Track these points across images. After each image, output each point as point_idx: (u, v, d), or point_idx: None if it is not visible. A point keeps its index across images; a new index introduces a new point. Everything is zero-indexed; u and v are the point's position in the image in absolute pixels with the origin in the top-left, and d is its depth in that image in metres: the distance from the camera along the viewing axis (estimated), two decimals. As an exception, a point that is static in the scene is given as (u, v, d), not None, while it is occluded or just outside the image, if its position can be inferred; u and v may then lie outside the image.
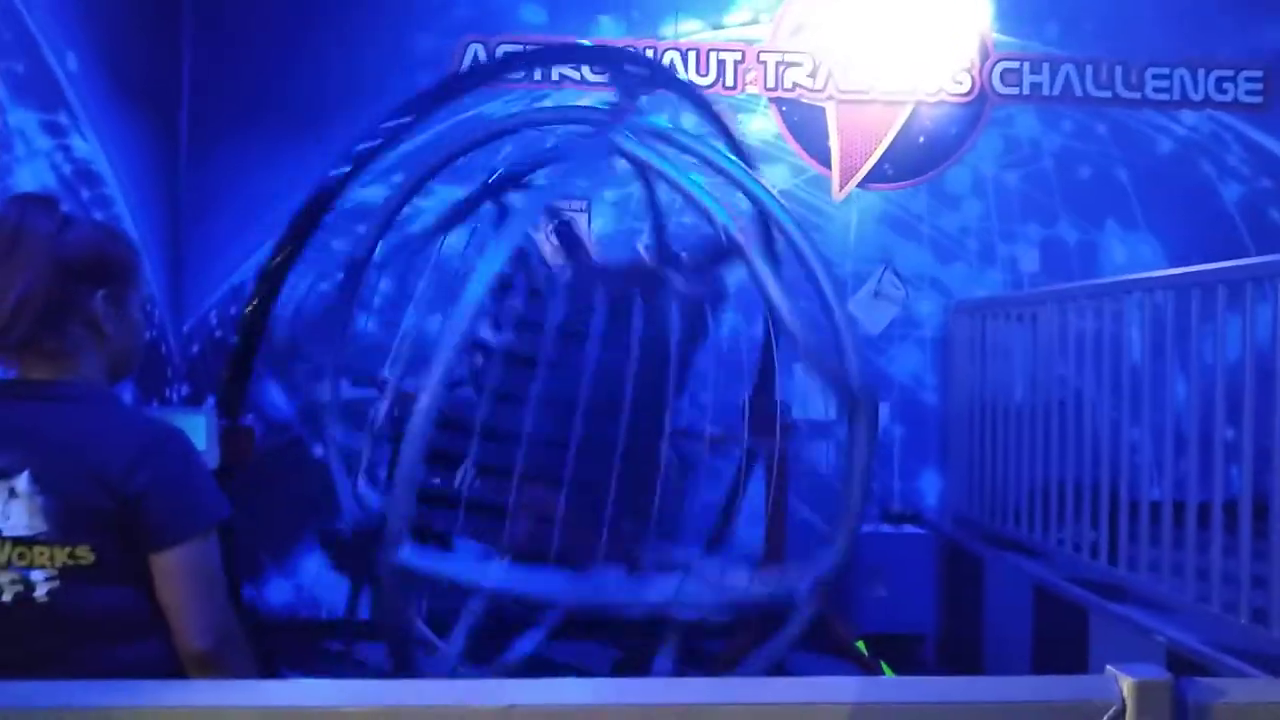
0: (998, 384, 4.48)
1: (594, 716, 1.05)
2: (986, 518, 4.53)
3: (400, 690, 1.06)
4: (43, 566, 1.38)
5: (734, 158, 2.97)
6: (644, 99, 3.15)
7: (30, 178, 3.56)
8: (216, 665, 1.42)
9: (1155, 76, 5.20)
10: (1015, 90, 5.18)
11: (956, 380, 4.93)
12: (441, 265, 3.32)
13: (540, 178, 3.27)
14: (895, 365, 5.13)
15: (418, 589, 2.63)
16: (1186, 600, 3.06)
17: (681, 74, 4.47)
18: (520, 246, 2.66)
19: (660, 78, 3.32)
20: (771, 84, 5.11)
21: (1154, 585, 3.24)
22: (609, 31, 5.07)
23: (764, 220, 2.98)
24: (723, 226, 2.62)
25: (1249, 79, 5.20)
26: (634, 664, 2.96)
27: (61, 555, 1.38)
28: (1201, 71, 5.20)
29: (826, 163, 5.14)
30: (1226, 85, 5.20)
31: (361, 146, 3.08)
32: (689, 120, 5.06)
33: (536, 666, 2.60)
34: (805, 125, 5.13)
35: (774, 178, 4.90)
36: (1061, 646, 3.67)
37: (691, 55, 5.07)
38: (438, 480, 2.64)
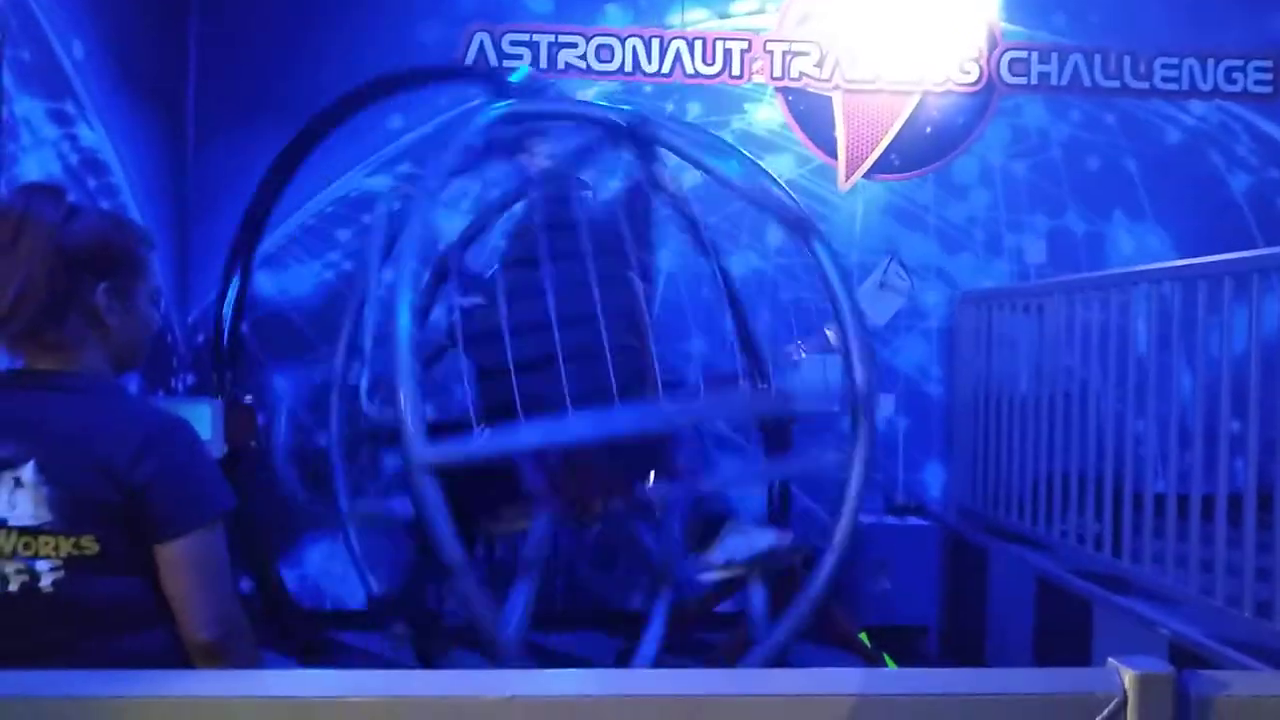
0: (1003, 375, 4.47)
1: (595, 707, 1.05)
2: (990, 509, 4.53)
3: (402, 680, 1.07)
4: (48, 556, 1.39)
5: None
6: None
7: (36, 166, 3.56)
8: (222, 656, 1.42)
9: (1164, 66, 5.16)
10: (1023, 80, 5.15)
11: (962, 371, 4.92)
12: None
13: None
14: (900, 356, 5.13)
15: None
16: (1190, 593, 3.05)
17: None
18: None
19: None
20: (778, 73, 5.09)
21: (1158, 578, 3.24)
22: (615, 20, 5.05)
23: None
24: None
25: (1258, 69, 5.17)
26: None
27: (66, 545, 1.39)
28: (1210, 61, 5.16)
29: (832, 153, 5.12)
30: (1235, 75, 5.17)
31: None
32: (695, 109, 5.06)
33: (537, 656, 2.63)
34: (811, 115, 5.11)
35: (780, 167, 4.89)
36: (1065, 639, 3.67)
37: (698, 44, 5.05)
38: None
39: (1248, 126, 5.20)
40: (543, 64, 5.01)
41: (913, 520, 4.85)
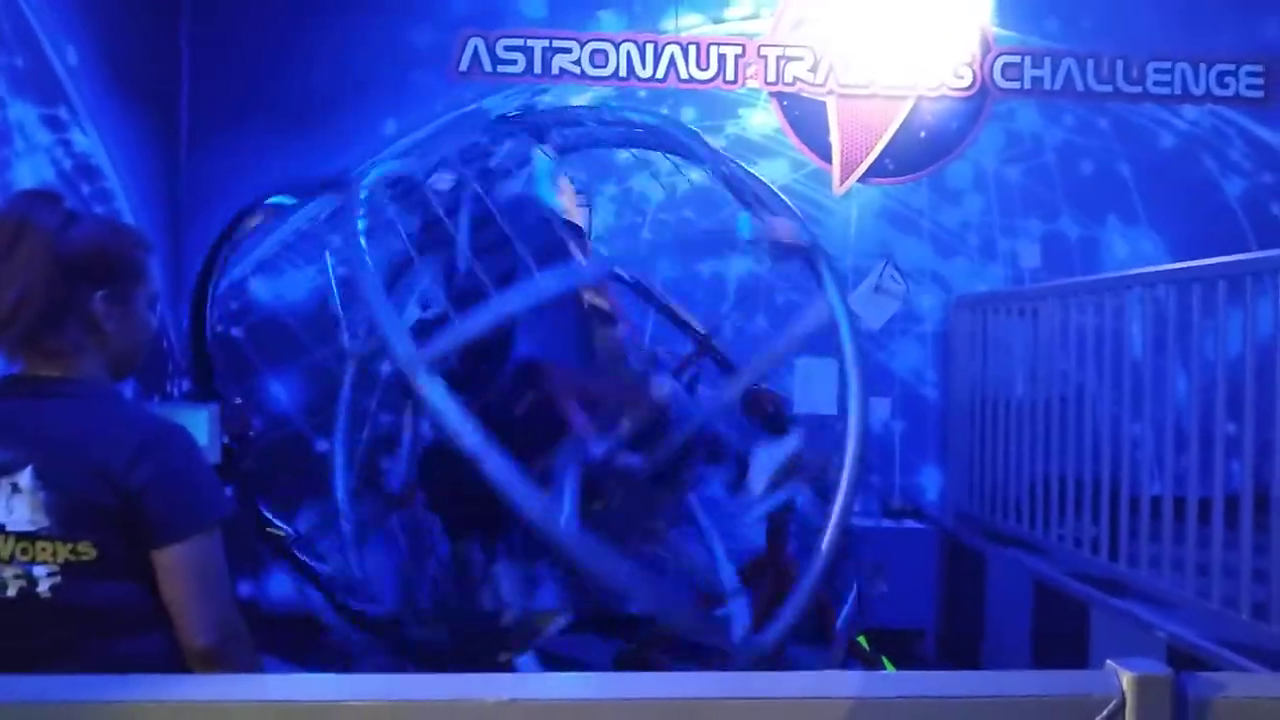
0: (998, 379, 4.48)
1: (594, 711, 1.05)
2: (987, 513, 4.53)
3: (402, 684, 1.06)
4: (45, 562, 1.39)
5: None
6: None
7: (30, 172, 3.55)
8: (219, 662, 1.42)
9: (1156, 71, 5.19)
10: (1016, 85, 5.17)
11: (957, 375, 4.93)
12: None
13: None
14: (896, 360, 5.13)
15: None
16: (1187, 595, 3.06)
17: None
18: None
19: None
20: (772, 78, 5.10)
21: (1155, 580, 3.24)
22: (610, 25, 5.06)
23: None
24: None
25: (1250, 74, 5.19)
26: (636, 658, 2.97)
27: (64, 551, 1.39)
28: (1203, 66, 5.18)
29: (827, 157, 5.13)
30: (1228, 80, 5.19)
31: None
32: (689, 113, 5.07)
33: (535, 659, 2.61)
34: (806, 120, 5.12)
35: (774, 172, 4.90)
36: (1062, 642, 3.68)
37: (692, 49, 5.07)
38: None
39: (1240, 131, 5.22)
40: (537, 69, 5.02)
41: (909, 524, 4.85)
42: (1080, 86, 5.18)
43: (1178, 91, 5.20)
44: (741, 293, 4.99)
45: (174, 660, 1.42)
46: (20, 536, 1.39)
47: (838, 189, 5.14)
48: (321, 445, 4.75)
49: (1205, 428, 3.06)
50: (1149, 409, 3.39)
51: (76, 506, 1.39)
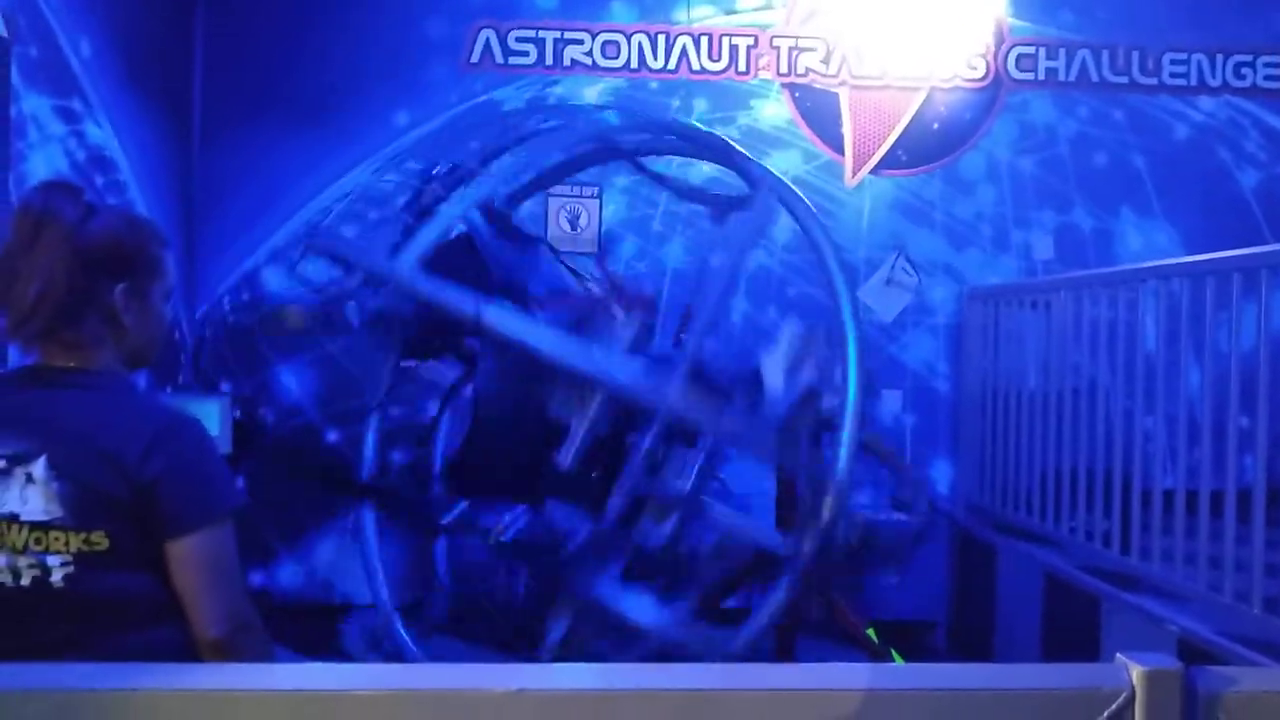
0: (1011, 372, 4.46)
1: (603, 702, 1.05)
2: (998, 506, 4.52)
3: (412, 674, 1.07)
4: (58, 552, 1.40)
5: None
6: None
7: (44, 163, 3.57)
8: (231, 653, 1.43)
9: (1172, 62, 5.14)
10: (1030, 75, 5.14)
11: (969, 368, 4.91)
12: None
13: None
14: (908, 353, 5.12)
15: None
16: (1199, 589, 3.04)
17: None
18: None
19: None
20: (784, 69, 5.08)
21: (1166, 574, 3.23)
22: (621, 16, 5.05)
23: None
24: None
25: (1267, 64, 5.14)
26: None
27: (77, 541, 1.40)
28: (1219, 57, 5.14)
29: (839, 149, 5.11)
30: (1244, 71, 5.15)
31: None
32: (701, 105, 5.05)
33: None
34: (818, 111, 5.10)
35: (786, 164, 4.89)
36: (1073, 635, 3.67)
37: (704, 40, 5.05)
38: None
39: (1256, 122, 5.17)
40: (548, 60, 5.01)
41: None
42: (1095, 78, 5.14)
43: (1193, 83, 5.15)
44: (752, 285, 4.99)
45: (186, 651, 1.43)
46: (34, 526, 1.40)
47: (850, 181, 5.12)
48: (331, 436, 4.78)
49: (1218, 421, 3.04)
50: (1162, 402, 3.37)
51: (89, 497, 1.40)
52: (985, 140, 5.14)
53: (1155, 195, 5.15)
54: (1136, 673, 1.05)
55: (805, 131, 5.11)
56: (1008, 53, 5.13)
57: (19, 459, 1.40)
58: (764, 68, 5.07)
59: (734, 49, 5.06)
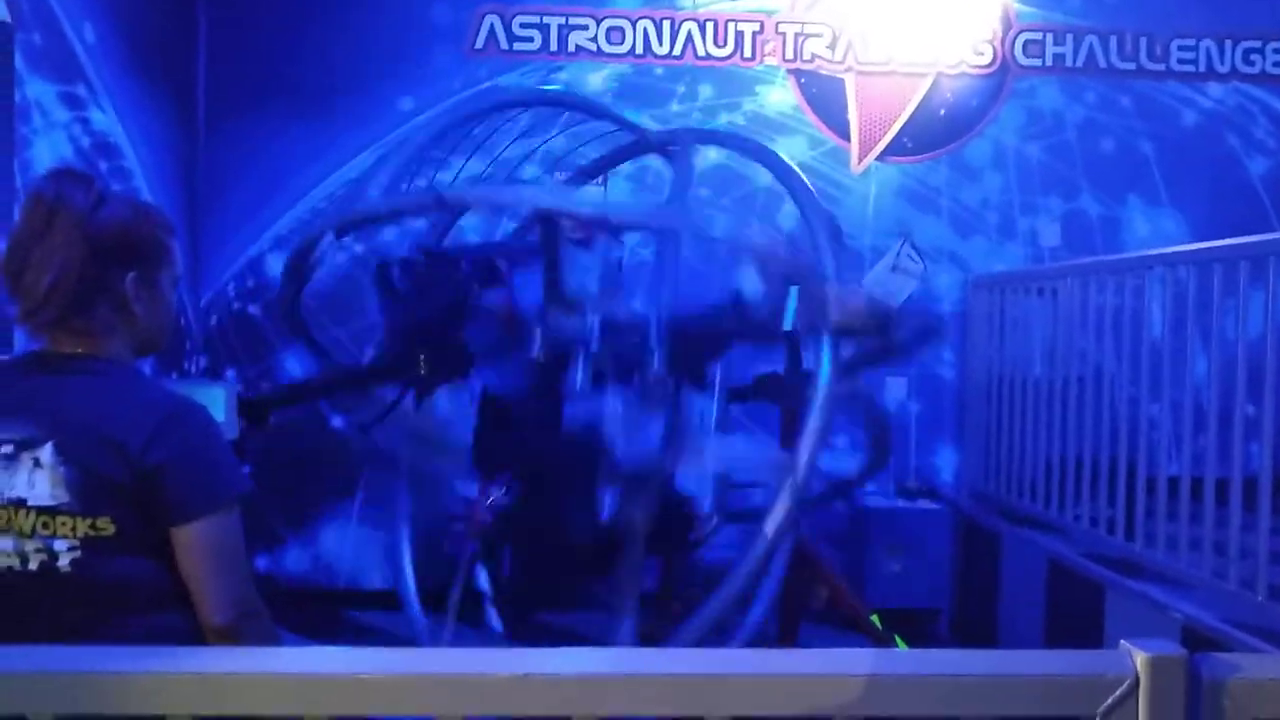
0: (1016, 359, 4.46)
1: (608, 686, 1.05)
2: (1003, 493, 4.52)
3: (417, 658, 1.07)
4: (65, 536, 1.40)
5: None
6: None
7: (48, 150, 3.57)
8: (236, 639, 1.43)
9: (1181, 48, 5.11)
10: (1038, 62, 5.11)
11: (974, 355, 4.90)
12: None
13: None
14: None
15: None
16: (1203, 576, 3.04)
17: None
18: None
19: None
20: (790, 55, 5.06)
21: (1171, 561, 3.23)
22: (626, 2, 5.03)
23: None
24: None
25: (1277, 50, 5.11)
26: (652, 636, 2.98)
27: (83, 526, 1.40)
28: (1228, 43, 5.10)
29: (845, 135, 5.09)
30: (1254, 57, 5.11)
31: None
32: (706, 91, 5.03)
33: (557, 636, 2.62)
34: (824, 97, 5.08)
35: (792, 150, 4.87)
36: (1077, 623, 3.67)
37: (709, 26, 5.03)
38: None
39: (1265, 109, 5.14)
40: (553, 46, 5.00)
41: (924, 504, 4.85)
42: (1103, 64, 5.11)
43: (1202, 69, 5.12)
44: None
45: (192, 636, 1.44)
46: (41, 511, 1.40)
47: (856, 167, 5.11)
48: (336, 421, 4.78)
49: (1224, 408, 3.04)
50: (1168, 389, 3.36)
51: (95, 483, 1.40)
52: (992, 127, 5.12)
53: (1163, 182, 5.13)
54: (1141, 659, 1.05)
55: (811, 118, 5.09)
56: (1015, 39, 5.10)
57: (26, 444, 1.41)
58: (769, 53, 5.05)
59: (739, 34, 5.04)
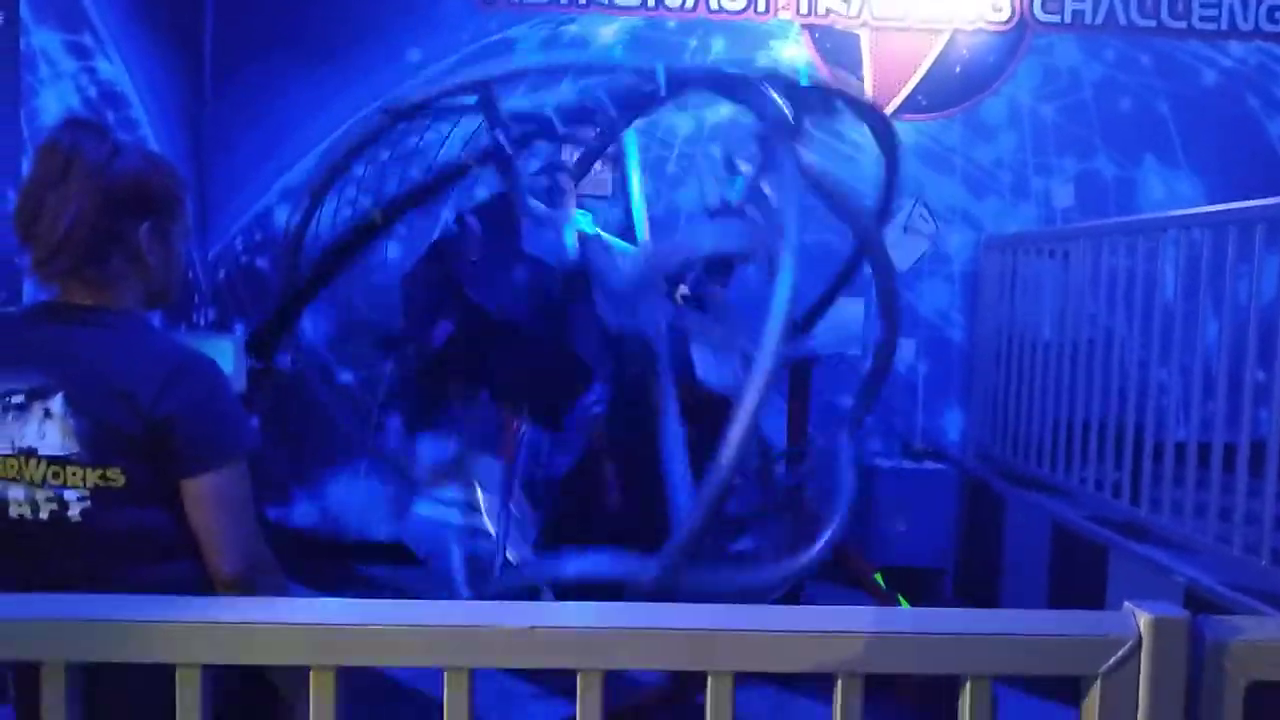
0: (1026, 321, 4.43)
1: (612, 640, 1.06)
2: (1009, 455, 4.53)
3: (424, 610, 1.08)
4: (75, 486, 1.41)
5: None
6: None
7: (55, 99, 3.55)
8: (246, 591, 1.44)
9: (1203, 5, 5.01)
10: (1056, 18, 5.02)
11: (984, 317, 4.88)
12: None
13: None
14: (923, 301, 5.09)
15: None
16: (1207, 541, 3.05)
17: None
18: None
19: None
20: (804, 9, 4.98)
21: (1176, 525, 3.24)
22: (638, -46, 4.94)
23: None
24: None
25: (1302, 8, 5.01)
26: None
27: (93, 476, 1.41)
28: (1252, 0, 5.00)
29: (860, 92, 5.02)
30: (1278, 15, 5.01)
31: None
32: (719, 45, 4.96)
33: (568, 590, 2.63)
34: (838, 53, 5.01)
35: (804, 107, 4.79)
36: (1080, 584, 3.69)
37: (722, -21, 4.94)
38: None
39: (1288, 68, 5.05)
40: (563, -1, 4.92)
41: (930, 465, 4.86)
42: (1123, 20, 5.02)
43: (1224, 27, 5.02)
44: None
45: (201, 587, 1.45)
46: (52, 461, 1.41)
47: (868, 125, 5.04)
48: (344, 376, 4.80)
49: (1234, 373, 3.02)
50: (1178, 354, 3.35)
51: (105, 433, 1.41)
52: (1008, 85, 5.04)
53: (1180, 143, 5.05)
54: (1144, 620, 1.06)
55: (825, 74, 5.02)
56: (1034, -6, 5.00)
57: (37, 394, 1.41)
58: (783, 8, 4.97)
59: (753, -12, 4.96)
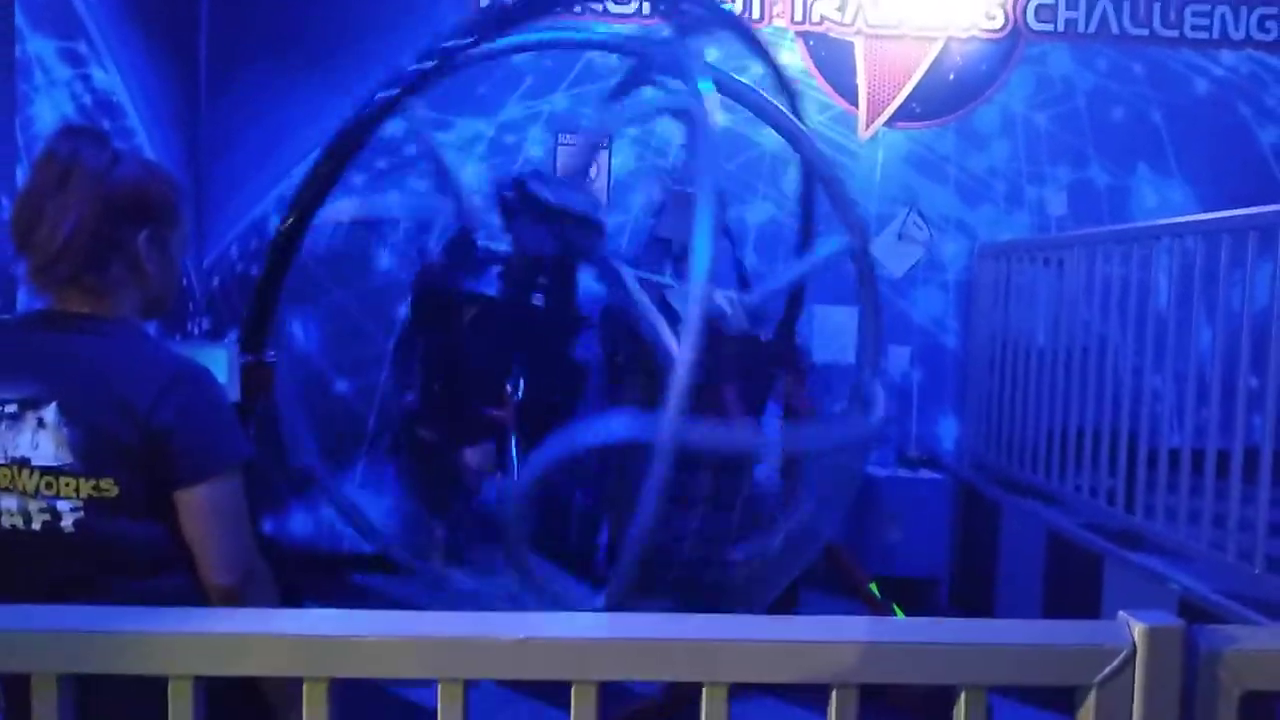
0: (1020, 328, 4.44)
1: (606, 649, 1.06)
2: (1004, 463, 4.53)
3: (416, 621, 1.08)
4: (69, 497, 1.41)
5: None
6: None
7: (50, 107, 3.54)
8: (240, 602, 1.44)
9: (1195, 14, 5.04)
10: (1049, 27, 5.04)
11: (979, 324, 4.89)
12: None
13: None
14: (917, 309, 5.09)
15: None
16: (1202, 548, 3.05)
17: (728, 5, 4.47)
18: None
19: (717, 17, 3.38)
20: (799, 17, 4.99)
21: (1170, 532, 3.24)
22: (633, -38, 4.95)
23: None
24: None
25: (1293, 17, 5.03)
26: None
27: (86, 487, 1.41)
28: (1244, 9, 5.03)
29: (853, 100, 5.04)
30: (1269, 24, 5.04)
31: (415, 68, 3.08)
32: (713, 52, 4.97)
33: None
34: (832, 60, 5.02)
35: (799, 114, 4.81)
36: (1075, 593, 3.69)
37: (717, -12, 4.95)
38: None
39: (1279, 77, 5.08)
40: (576, 8, 4.92)
41: (925, 473, 4.86)
42: (1115, 29, 5.04)
43: (1216, 36, 5.05)
44: (762, 238, 4.96)
45: (195, 598, 1.45)
46: (45, 471, 1.41)
47: (863, 133, 5.06)
48: (340, 385, 4.79)
49: (1228, 380, 3.03)
50: (1171, 361, 3.35)
51: (100, 443, 1.40)
52: (1001, 93, 5.06)
53: (1173, 151, 5.07)
54: (1138, 630, 1.06)
55: (819, 81, 5.03)
56: (1026, 3, 5.03)
57: (31, 403, 1.41)
58: (778, 15, 4.99)
59: (748, -4, 4.97)
